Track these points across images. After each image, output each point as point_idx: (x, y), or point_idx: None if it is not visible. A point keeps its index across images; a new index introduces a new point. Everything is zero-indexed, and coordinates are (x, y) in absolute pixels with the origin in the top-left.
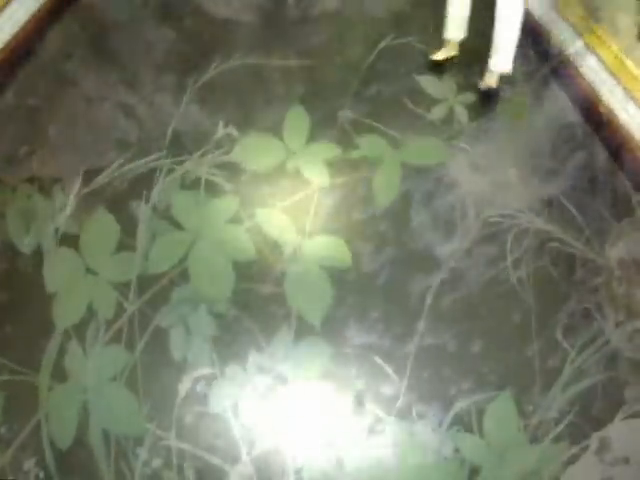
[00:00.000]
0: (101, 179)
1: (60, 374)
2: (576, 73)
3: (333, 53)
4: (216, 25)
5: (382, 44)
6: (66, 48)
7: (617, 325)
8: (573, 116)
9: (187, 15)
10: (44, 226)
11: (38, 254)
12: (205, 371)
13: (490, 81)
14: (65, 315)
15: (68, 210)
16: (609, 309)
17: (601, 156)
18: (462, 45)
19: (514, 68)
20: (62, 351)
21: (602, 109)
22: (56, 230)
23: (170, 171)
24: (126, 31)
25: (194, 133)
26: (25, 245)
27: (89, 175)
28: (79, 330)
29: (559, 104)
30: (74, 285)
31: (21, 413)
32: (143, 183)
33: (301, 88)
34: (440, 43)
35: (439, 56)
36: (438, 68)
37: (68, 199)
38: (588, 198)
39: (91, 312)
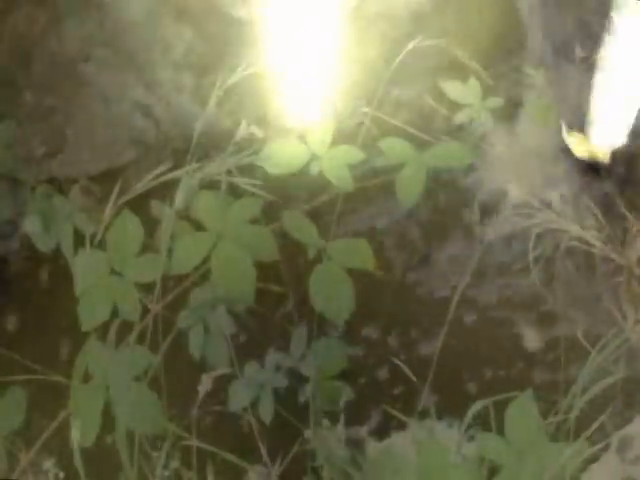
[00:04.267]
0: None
1: (84, 374)
2: None
3: (356, 54)
4: (234, 25)
5: (410, 45)
6: (84, 48)
7: (637, 323)
8: None
9: (205, 15)
10: (64, 226)
11: (59, 254)
12: (224, 370)
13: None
14: (90, 315)
15: (92, 211)
16: (629, 308)
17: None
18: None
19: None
20: (86, 351)
21: None
22: (79, 231)
23: (192, 172)
24: (143, 30)
25: (215, 134)
26: (45, 245)
27: (108, 175)
28: (103, 330)
29: None
30: (99, 286)
31: (44, 413)
32: (164, 184)
33: (325, 90)
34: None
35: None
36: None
37: (90, 200)
38: (608, 196)
39: (115, 313)
